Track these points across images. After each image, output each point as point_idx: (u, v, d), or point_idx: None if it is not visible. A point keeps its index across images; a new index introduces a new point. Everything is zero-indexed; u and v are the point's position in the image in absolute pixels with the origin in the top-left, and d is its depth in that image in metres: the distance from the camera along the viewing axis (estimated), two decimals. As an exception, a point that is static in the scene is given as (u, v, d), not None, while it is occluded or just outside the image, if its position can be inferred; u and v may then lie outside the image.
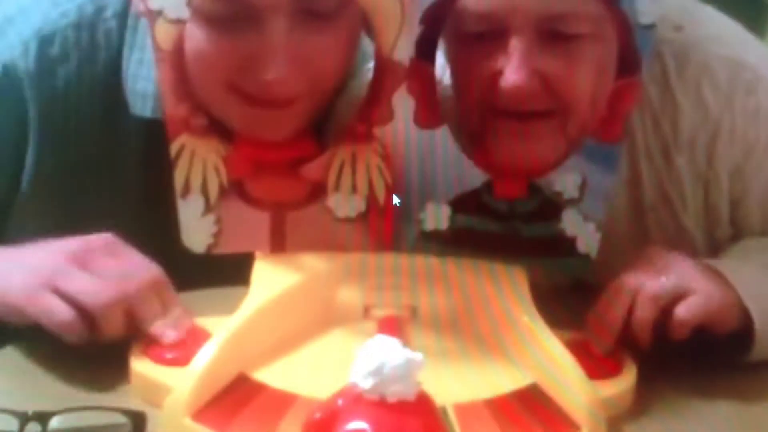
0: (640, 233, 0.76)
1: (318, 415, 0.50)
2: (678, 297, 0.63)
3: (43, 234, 0.62)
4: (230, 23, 0.62)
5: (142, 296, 0.59)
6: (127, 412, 0.54)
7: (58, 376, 0.60)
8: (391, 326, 0.63)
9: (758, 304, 0.64)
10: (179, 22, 0.61)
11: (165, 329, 0.59)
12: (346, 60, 0.67)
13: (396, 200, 0.68)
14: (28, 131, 0.70)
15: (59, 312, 0.57)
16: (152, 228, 0.63)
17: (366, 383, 0.49)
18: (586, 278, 0.71)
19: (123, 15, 0.70)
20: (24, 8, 0.71)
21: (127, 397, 0.58)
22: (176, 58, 0.62)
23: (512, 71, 0.63)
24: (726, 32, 0.76)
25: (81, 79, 0.70)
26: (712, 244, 0.75)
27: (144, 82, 0.69)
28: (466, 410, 0.57)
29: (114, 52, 0.70)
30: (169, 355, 0.59)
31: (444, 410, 0.56)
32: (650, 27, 0.64)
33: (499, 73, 0.64)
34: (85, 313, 0.57)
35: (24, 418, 0.52)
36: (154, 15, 0.61)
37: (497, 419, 0.57)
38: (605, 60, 0.66)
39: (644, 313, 0.62)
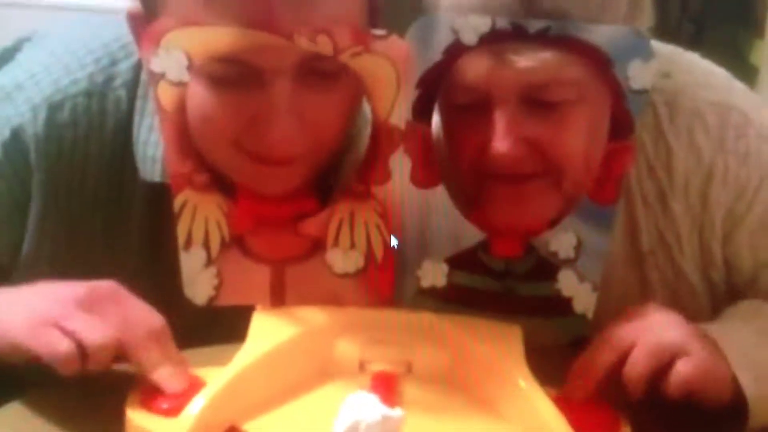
0: (638, 279, 0.76)
1: None
2: (674, 357, 0.62)
3: None
4: (234, 83, 0.64)
5: (143, 342, 0.60)
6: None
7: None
8: (385, 382, 0.63)
9: (751, 373, 0.64)
10: (181, 84, 0.63)
11: (165, 377, 0.60)
12: (347, 119, 0.68)
13: (394, 257, 0.69)
14: (31, 196, 0.71)
15: (59, 344, 0.58)
16: (155, 289, 0.64)
17: None
18: (585, 334, 0.71)
19: (133, 84, 0.72)
20: (34, 75, 0.73)
21: None
22: (179, 117, 0.64)
23: (497, 141, 0.65)
24: (713, 77, 0.78)
25: (88, 145, 0.72)
26: (709, 287, 0.76)
27: (153, 147, 0.71)
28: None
29: (123, 120, 0.72)
30: (164, 405, 0.60)
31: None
32: (642, 92, 0.65)
33: (487, 140, 0.66)
34: (82, 349, 0.59)
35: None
36: (157, 77, 0.63)
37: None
38: (595, 123, 0.67)
39: (639, 368, 0.62)
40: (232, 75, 0.63)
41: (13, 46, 0.77)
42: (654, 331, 0.63)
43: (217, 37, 0.61)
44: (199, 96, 0.64)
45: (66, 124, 0.71)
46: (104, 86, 0.72)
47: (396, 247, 0.69)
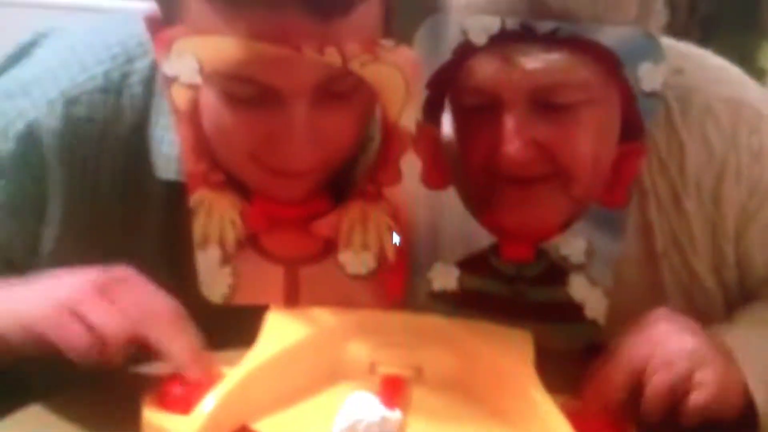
0: (652, 281, 0.76)
1: None
2: (690, 371, 0.62)
3: None
4: (250, 101, 0.64)
5: (159, 328, 0.61)
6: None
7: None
8: (393, 385, 0.64)
9: (763, 382, 0.63)
10: (193, 87, 0.64)
11: (182, 362, 0.61)
12: (361, 132, 0.69)
13: (405, 259, 0.69)
14: (48, 190, 0.72)
15: (78, 337, 0.59)
16: (173, 287, 0.64)
17: None
18: (601, 337, 0.71)
19: (150, 81, 0.72)
20: (51, 69, 0.73)
21: None
22: (193, 118, 0.65)
23: (506, 143, 0.65)
24: (725, 74, 0.78)
25: (105, 141, 0.72)
26: (722, 287, 0.75)
27: (169, 146, 0.71)
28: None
29: (139, 117, 0.72)
30: (178, 393, 0.61)
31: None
32: (653, 94, 0.65)
33: (496, 143, 0.66)
34: (99, 338, 0.59)
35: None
36: (170, 80, 0.64)
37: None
38: (605, 125, 0.67)
39: (657, 403, 0.62)
40: (248, 93, 0.63)
41: (31, 41, 0.77)
42: (669, 363, 0.62)
43: (227, 47, 0.62)
44: (214, 109, 0.65)
45: (82, 119, 0.71)
46: (120, 83, 0.72)
47: (407, 249, 0.70)
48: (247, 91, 0.63)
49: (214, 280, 0.68)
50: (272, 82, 0.62)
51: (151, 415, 0.61)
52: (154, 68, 0.72)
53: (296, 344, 0.65)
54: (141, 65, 0.73)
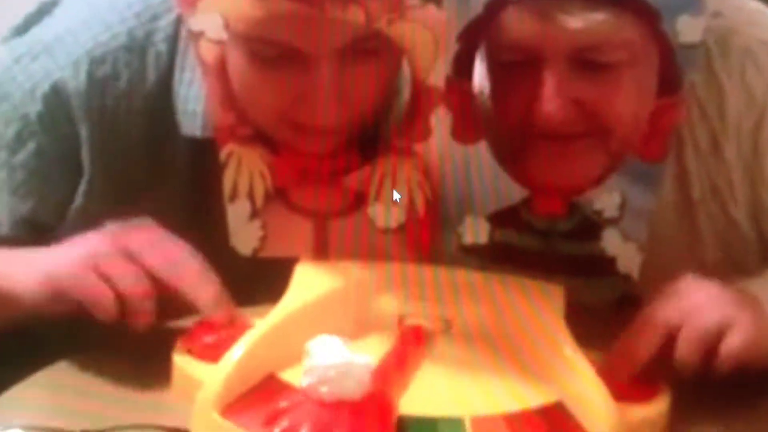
0: (689, 229, 0.74)
1: (262, 415, 0.53)
2: (721, 333, 0.61)
3: None
4: (277, 62, 0.64)
5: (182, 277, 0.61)
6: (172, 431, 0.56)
7: (105, 394, 0.62)
8: (414, 336, 0.64)
9: None
10: (221, 42, 0.64)
11: (209, 306, 0.62)
12: (387, 90, 0.68)
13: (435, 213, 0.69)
14: (80, 149, 0.72)
15: (103, 297, 0.60)
16: (200, 243, 0.65)
17: (303, 381, 0.52)
18: (635, 290, 0.70)
19: (173, 39, 0.72)
20: (73, 29, 0.73)
21: (174, 414, 0.59)
22: (221, 72, 0.66)
23: (545, 102, 0.64)
24: (763, 16, 0.75)
25: (131, 99, 0.72)
26: (759, 236, 0.74)
27: (194, 102, 0.71)
28: (483, 423, 0.57)
29: (164, 74, 0.72)
30: (209, 340, 0.62)
31: (461, 422, 0.57)
32: (692, 46, 0.63)
33: (534, 100, 0.65)
34: (123, 299, 0.60)
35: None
36: (197, 35, 0.64)
37: (515, 434, 0.57)
38: (644, 83, 0.66)
39: (690, 351, 0.61)
40: (273, 53, 0.63)
41: (51, 0, 0.77)
42: (699, 313, 0.62)
43: (251, 7, 0.61)
44: (241, 67, 0.65)
45: (107, 78, 0.72)
46: (145, 41, 0.72)
47: (437, 203, 0.69)
48: (271, 51, 0.63)
49: (244, 233, 0.69)
50: (296, 44, 0.62)
51: (182, 362, 0.62)
52: (177, 25, 0.72)
53: (324, 296, 0.65)
54: (164, 22, 0.73)
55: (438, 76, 0.66)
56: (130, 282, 0.60)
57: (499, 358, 0.65)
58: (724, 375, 0.61)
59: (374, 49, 0.64)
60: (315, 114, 0.64)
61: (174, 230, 0.65)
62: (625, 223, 0.68)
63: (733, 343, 0.60)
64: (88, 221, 0.66)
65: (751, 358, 0.61)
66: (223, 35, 0.64)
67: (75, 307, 0.61)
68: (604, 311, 0.72)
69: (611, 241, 0.69)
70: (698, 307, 0.62)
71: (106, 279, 0.60)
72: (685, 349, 0.61)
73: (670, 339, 0.62)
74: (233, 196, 0.68)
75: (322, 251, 0.70)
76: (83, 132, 0.72)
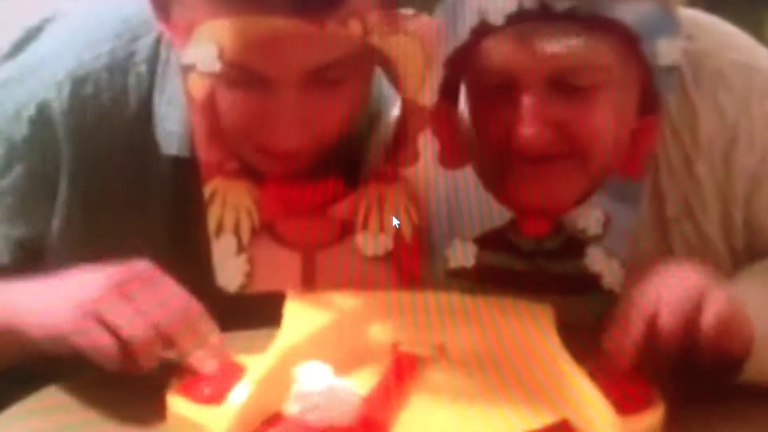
0: (663, 247, 0.76)
1: None
2: (701, 298, 0.62)
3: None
4: (245, 87, 0.65)
5: (180, 327, 0.60)
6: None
7: (97, 417, 0.61)
8: (407, 362, 0.64)
9: (762, 326, 0.64)
10: (210, 74, 0.64)
11: (203, 360, 0.61)
12: (353, 115, 0.69)
13: (423, 238, 0.69)
14: (61, 169, 0.72)
15: (103, 344, 0.59)
16: (182, 266, 0.64)
17: (291, 409, 0.52)
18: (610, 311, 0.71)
19: (153, 60, 0.73)
20: (57, 50, 0.73)
21: None
22: (209, 107, 0.65)
23: (524, 125, 0.65)
24: (735, 39, 0.78)
25: (112, 120, 0.72)
26: (731, 252, 0.76)
27: (174, 122, 0.72)
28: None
29: (144, 95, 0.73)
30: (205, 392, 0.60)
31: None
32: (670, 68, 0.65)
33: (514, 123, 0.66)
34: (125, 345, 0.59)
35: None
36: (187, 69, 0.64)
37: (526, 456, 0.58)
38: (623, 104, 0.67)
39: (672, 330, 0.61)
40: (242, 79, 0.64)
41: (37, 26, 0.77)
42: (675, 283, 0.63)
43: (248, 29, 0.61)
44: (222, 94, 0.65)
45: (90, 98, 0.72)
46: (126, 61, 0.73)
47: (424, 228, 0.69)
48: (240, 77, 0.64)
49: (230, 269, 0.68)
50: (262, 70, 0.63)
51: (178, 405, 0.60)
52: (158, 46, 0.73)
53: (319, 330, 0.65)
54: (145, 43, 0.73)
55: (426, 97, 0.66)
56: (133, 330, 0.59)
57: (498, 381, 0.65)
58: (708, 359, 0.62)
59: (340, 78, 0.65)
60: (276, 138, 0.65)
61: (157, 252, 0.64)
62: (608, 239, 0.69)
63: (716, 301, 0.61)
64: (68, 244, 0.64)
65: (728, 335, 0.62)
66: (216, 67, 0.63)
67: (74, 350, 0.60)
68: (589, 328, 0.73)
69: (595, 258, 0.70)
70: (674, 278, 0.63)
71: (108, 328, 0.59)
72: (667, 327, 0.61)
73: (654, 328, 0.62)
74: (219, 232, 0.67)
75: (309, 283, 0.69)
76: (65, 153, 0.71)
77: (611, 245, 0.70)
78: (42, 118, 0.71)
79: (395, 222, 0.69)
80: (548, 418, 0.61)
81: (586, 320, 0.73)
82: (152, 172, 0.74)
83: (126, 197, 0.74)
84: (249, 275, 0.68)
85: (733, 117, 0.74)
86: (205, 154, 0.66)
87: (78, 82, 0.72)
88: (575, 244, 0.70)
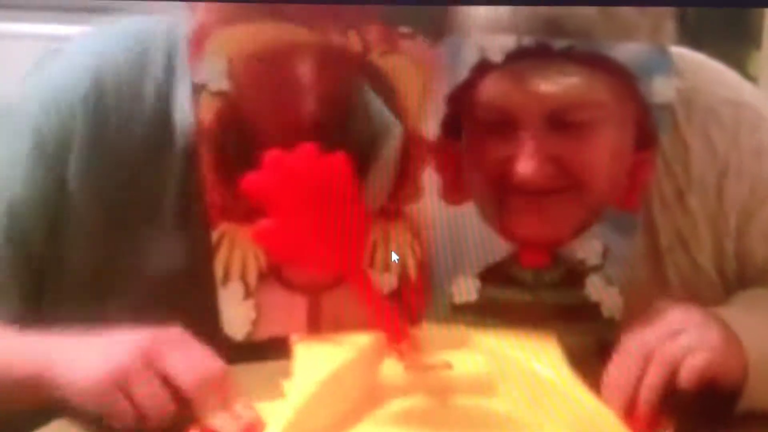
0: (658, 275, 0.78)
1: None
2: (687, 353, 0.64)
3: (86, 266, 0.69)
4: None
5: (204, 391, 0.60)
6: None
7: None
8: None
9: (756, 353, 0.66)
10: (221, 93, 0.64)
11: (226, 423, 0.60)
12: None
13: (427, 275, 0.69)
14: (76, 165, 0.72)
15: (122, 414, 0.59)
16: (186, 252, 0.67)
17: None
18: (614, 336, 0.72)
19: (172, 50, 0.74)
20: (79, 48, 0.76)
21: None
22: (218, 135, 0.65)
23: (522, 161, 0.66)
24: (723, 76, 0.81)
25: (130, 111, 0.73)
26: (723, 280, 0.78)
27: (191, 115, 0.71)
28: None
29: (162, 86, 0.73)
30: None
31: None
32: (665, 106, 0.68)
33: (512, 159, 0.67)
34: (143, 416, 0.59)
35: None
36: (199, 89, 0.64)
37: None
38: (619, 140, 0.69)
39: (659, 375, 0.63)
40: None
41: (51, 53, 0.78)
42: (670, 339, 0.64)
43: (258, 35, 0.63)
44: None
45: (110, 91, 0.72)
46: (144, 54, 0.74)
47: (428, 265, 0.70)
48: None
49: (237, 316, 0.66)
50: None
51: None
52: (174, 37, 0.74)
53: (335, 372, 0.64)
54: (161, 37, 0.74)
55: (429, 128, 0.67)
56: (153, 403, 0.59)
57: (510, 408, 0.65)
58: (689, 398, 0.63)
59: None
60: None
61: (165, 246, 0.66)
62: (607, 269, 0.71)
63: (694, 365, 0.63)
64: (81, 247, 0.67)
65: (720, 376, 0.64)
66: (225, 85, 0.63)
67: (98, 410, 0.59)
68: (588, 356, 0.74)
69: (595, 287, 0.71)
70: (669, 332, 0.65)
71: (129, 397, 0.59)
72: (655, 373, 0.63)
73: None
74: (225, 280, 0.66)
75: (314, 326, 0.68)
76: (83, 147, 0.72)
77: (610, 274, 0.71)
78: (63, 108, 0.72)
79: (395, 258, 0.69)
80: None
81: (586, 349, 0.75)
82: (167, 168, 0.73)
83: (138, 191, 0.74)
84: (255, 322, 0.67)
85: (724, 151, 0.76)
86: (212, 195, 0.65)
87: (100, 74, 0.73)
88: (575, 274, 0.71)
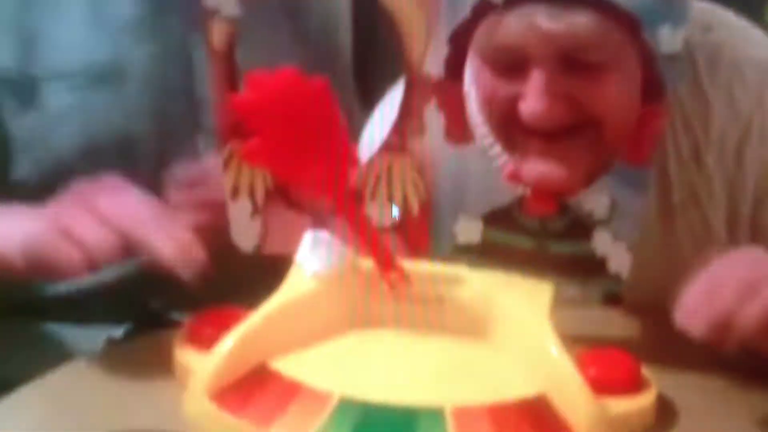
0: (668, 232, 0.76)
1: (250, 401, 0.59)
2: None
3: None
4: None
5: (143, 228, 0.63)
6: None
7: (102, 402, 0.63)
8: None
9: None
10: (232, 19, 0.67)
11: (169, 258, 0.62)
12: None
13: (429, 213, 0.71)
14: None
15: (65, 252, 0.61)
16: None
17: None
18: (618, 293, 0.72)
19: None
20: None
21: (172, 419, 0.60)
22: (228, 57, 0.68)
23: (533, 99, 0.65)
24: (752, 34, 0.77)
25: None
26: (734, 244, 0.75)
27: None
28: (464, 413, 0.59)
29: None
30: (205, 338, 0.64)
31: (442, 412, 0.58)
32: (673, 57, 0.65)
33: (522, 98, 0.66)
34: (88, 253, 0.62)
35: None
36: (210, 14, 0.66)
37: (496, 424, 0.58)
38: (628, 87, 0.67)
39: (756, 309, 0.58)
40: None
41: None
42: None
43: None
44: None
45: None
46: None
47: (431, 202, 0.71)
48: None
49: (245, 230, 0.71)
50: None
51: (180, 352, 0.65)
52: None
53: (317, 288, 0.67)
54: None
55: (432, 65, 0.68)
56: (95, 239, 0.61)
57: (484, 350, 0.66)
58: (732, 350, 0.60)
59: None
60: None
61: None
62: (615, 224, 0.69)
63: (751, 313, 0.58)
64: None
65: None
66: (236, 10, 0.66)
67: (47, 270, 0.62)
68: (591, 309, 0.73)
69: (602, 242, 0.69)
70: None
71: (69, 235, 0.61)
72: (759, 303, 0.58)
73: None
74: (234, 195, 0.71)
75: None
76: None
77: (618, 229, 0.69)
78: None
79: (396, 213, 0.70)
80: (528, 392, 0.61)
81: (590, 302, 0.74)
82: None
83: None
84: (263, 237, 0.71)
85: (747, 112, 0.73)
86: (222, 114, 0.69)
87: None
88: (581, 226, 0.70)
